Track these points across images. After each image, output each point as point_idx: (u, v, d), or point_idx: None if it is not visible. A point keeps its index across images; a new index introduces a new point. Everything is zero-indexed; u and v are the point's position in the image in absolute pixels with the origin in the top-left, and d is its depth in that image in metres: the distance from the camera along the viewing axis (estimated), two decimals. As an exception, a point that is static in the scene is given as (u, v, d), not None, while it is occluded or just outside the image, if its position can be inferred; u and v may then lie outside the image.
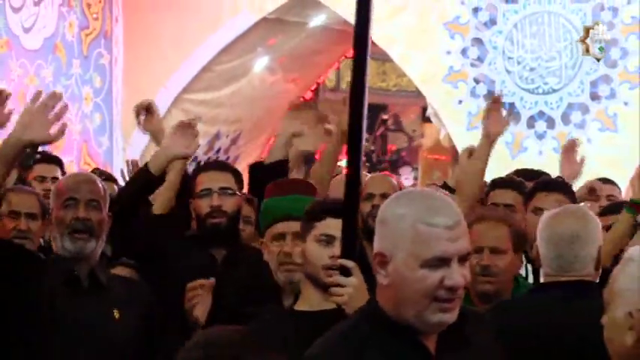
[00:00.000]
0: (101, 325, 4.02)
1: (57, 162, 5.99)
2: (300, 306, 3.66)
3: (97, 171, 6.60)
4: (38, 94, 4.00)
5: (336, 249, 3.53)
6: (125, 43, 10.39)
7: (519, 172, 6.04)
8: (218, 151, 10.83)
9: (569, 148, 6.05)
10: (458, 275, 2.62)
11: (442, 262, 2.61)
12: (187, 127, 4.74)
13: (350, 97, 3.54)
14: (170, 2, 10.01)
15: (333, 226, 3.60)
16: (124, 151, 10.03)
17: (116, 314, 4.08)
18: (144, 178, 4.65)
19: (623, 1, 9.42)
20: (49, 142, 4.00)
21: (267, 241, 4.18)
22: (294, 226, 4.16)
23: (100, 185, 4.25)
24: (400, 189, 5.35)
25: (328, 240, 3.63)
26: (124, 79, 10.40)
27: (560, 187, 5.28)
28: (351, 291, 3.33)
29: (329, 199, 4.18)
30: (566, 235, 3.91)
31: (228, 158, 10.90)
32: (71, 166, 9.41)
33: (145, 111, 5.34)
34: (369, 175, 5.39)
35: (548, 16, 9.62)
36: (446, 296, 2.62)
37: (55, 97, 4.07)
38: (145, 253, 4.73)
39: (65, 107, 3.95)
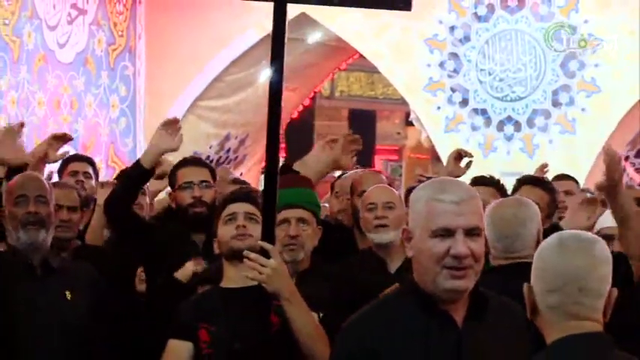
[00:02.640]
0: (55, 305, 3.99)
1: (87, 160, 5.98)
2: (225, 283, 3.67)
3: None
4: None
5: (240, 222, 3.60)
6: (147, 57, 10.39)
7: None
8: (228, 150, 10.83)
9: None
10: (462, 245, 2.63)
11: (448, 232, 2.64)
12: (172, 125, 4.72)
13: (269, 102, 3.62)
14: (186, 21, 10.02)
15: (233, 208, 3.65)
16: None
17: (68, 295, 4.04)
18: (137, 172, 4.66)
19: (580, 21, 9.44)
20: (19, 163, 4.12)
21: None
22: (297, 212, 4.21)
23: (46, 183, 4.25)
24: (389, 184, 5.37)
25: (231, 218, 3.67)
26: (146, 88, 10.40)
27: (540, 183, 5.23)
28: (269, 271, 3.36)
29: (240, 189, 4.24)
30: (507, 215, 3.85)
31: (236, 157, 10.91)
32: (100, 163, 9.43)
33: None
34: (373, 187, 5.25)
35: (515, 34, 9.63)
36: (453, 264, 2.63)
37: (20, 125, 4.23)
38: (139, 237, 4.74)
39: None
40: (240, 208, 3.69)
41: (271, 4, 3.76)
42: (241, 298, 3.46)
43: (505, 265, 3.82)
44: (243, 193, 3.85)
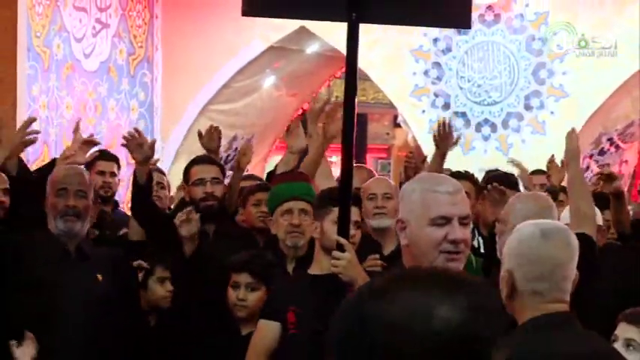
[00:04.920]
0: (88, 286, 4.03)
1: (114, 159, 5.89)
2: (314, 270, 3.67)
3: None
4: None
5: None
6: (163, 66, 10.38)
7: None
8: (235, 149, 10.79)
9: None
10: (459, 231, 2.63)
11: (445, 220, 2.63)
12: (137, 138, 4.60)
13: (344, 109, 3.57)
14: (198, 34, 10.00)
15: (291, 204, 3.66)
16: (162, 149, 10.02)
17: (99, 277, 4.07)
18: (137, 187, 4.55)
19: (550, 34, 9.43)
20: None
21: (277, 217, 4.20)
22: (299, 204, 4.21)
23: (87, 177, 4.22)
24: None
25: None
26: (162, 94, 10.39)
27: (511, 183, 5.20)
28: (344, 263, 3.35)
29: (336, 189, 4.18)
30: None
31: (243, 155, 10.89)
32: (122, 161, 9.41)
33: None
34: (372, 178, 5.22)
35: (491, 45, 9.62)
36: (450, 248, 2.63)
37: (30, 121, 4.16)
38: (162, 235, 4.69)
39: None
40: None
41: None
42: (328, 284, 3.44)
43: None
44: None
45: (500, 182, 4.96)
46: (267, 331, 3.55)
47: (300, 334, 3.49)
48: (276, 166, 5.43)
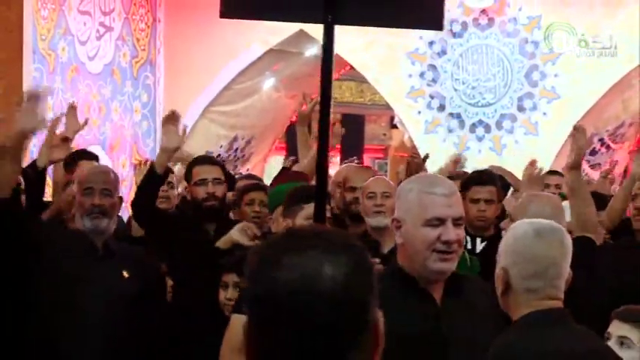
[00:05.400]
0: (113, 282, 4.03)
1: (95, 157, 5.81)
2: None
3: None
4: (29, 93, 3.88)
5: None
6: (165, 68, 10.38)
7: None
8: (236, 150, 10.81)
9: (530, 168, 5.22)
10: (452, 232, 2.63)
11: (440, 221, 2.63)
12: (173, 119, 4.61)
13: (320, 107, 3.58)
14: (199, 38, 10.00)
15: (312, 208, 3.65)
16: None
17: (125, 274, 4.07)
18: (152, 177, 4.52)
19: (541, 37, 9.44)
20: (40, 128, 3.87)
21: (276, 216, 4.20)
22: None
23: (112, 175, 4.22)
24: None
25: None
26: (164, 95, 10.39)
27: (491, 180, 5.19)
28: None
29: (307, 187, 4.20)
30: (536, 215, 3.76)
31: (243, 155, 10.89)
32: (125, 161, 9.43)
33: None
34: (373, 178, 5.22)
35: (485, 48, 9.62)
36: (443, 248, 2.63)
37: (38, 92, 3.96)
38: (164, 231, 4.68)
39: (45, 96, 3.83)
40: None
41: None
42: None
43: None
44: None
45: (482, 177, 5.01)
46: (241, 326, 3.55)
47: None
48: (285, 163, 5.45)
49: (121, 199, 4.19)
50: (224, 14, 3.67)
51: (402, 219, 2.68)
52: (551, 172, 6.60)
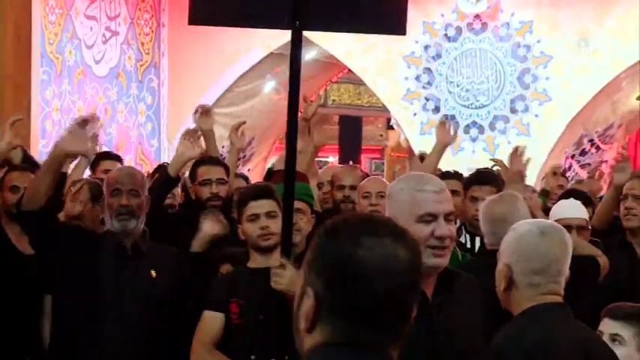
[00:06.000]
0: (142, 281, 3.98)
1: (118, 158, 5.92)
2: (251, 264, 3.69)
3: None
4: (82, 118, 3.93)
5: (262, 222, 3.60)
6: (169, 71, 10.39)
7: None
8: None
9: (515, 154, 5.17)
10: (445, 228, 2.63)
11: (432, 217, 2.62)
12: (193, 134, 4.67)
13: (288, 108, 3.61)
14: (202, 42, 10.01)
15: (255, 207, 3.65)
16: (168, 150, 10.04)
17: (153, 274, 4.02)
18: (166, 180, 4.53)
19: (534, 41, 9.45)
20: (84, 154, 3.93)
21: None
22: (296, 203, 4.20)
23: (139, 176, 4.20)
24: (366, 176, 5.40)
25: (254, 218, 3.69)
26: (168, 98, 10.39)
27: (490, 180, 5.18)
28: (286, 280, 3.36)
29: (250, 186, 4.22)
30: (498, 213, 3.75)
31: (244, 155, 10.90)
32: (130, 161, 9.43)
33: (204, 113, 5.34)
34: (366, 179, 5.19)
35: (479, 52, 9.64)
36: (437, 244, 2.61)
37: (92, 118, 3.99)
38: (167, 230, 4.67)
39: (98, 126, 3.86)
40: (261, 208, 3.69)
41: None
42: (265, 277, 3.45)
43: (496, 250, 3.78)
44: (263, 191, 3.83)
45: (481, 178, 4.99)
46: (212, 322, 3.57)
47: (243, 324, 3.52)
48: (273, 164, 5.47)
49: (148, 198, 4.15)
50: (192, 21, 3.65)
51: (395, 217, 2.66)
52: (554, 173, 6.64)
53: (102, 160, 5.65)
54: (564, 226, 4.31)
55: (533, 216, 3.84)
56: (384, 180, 4.90)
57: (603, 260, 4.06)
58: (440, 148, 5.16)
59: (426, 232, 2.62)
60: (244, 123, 5.58)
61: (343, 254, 1.53)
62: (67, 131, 3.87)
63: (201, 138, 4.70)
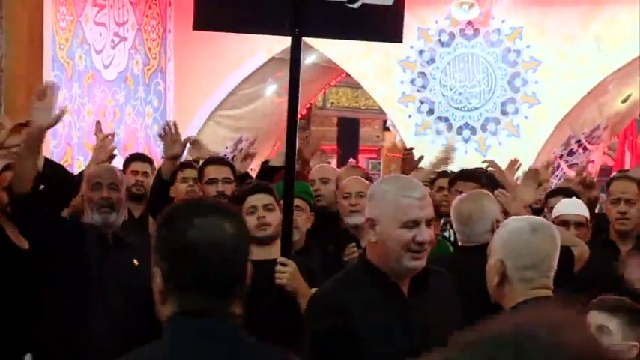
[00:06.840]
0: (125, 270, 3.99)
1: (148, 160, 5.79)
2: (250, 257, 3.69)
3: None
4: (39, 91, 3.79)
5: (259, 213, 3.64)
6: (175, 75, 10.40)
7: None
8: (240, 150, 10.82)
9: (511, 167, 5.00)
10: (426, 233, 2.63)
11: (415, 223, 2.62)
12: (170, 132, 4.56)
13: (288, 111, 3.63)
14: (207, 47, 10.02)
15: (253, 200, 3.65)
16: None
17: (135, 262, 4.04)
18: (160, 182, 4.54)
19: (523, 46, 9.45)
20: (54, 124, 3.78)
21: None
22: (295, 201, 4.20)
23: (118, 173, 4.21)
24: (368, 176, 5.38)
25: (253, 211, 3.69)
26: (174, 100, 10.40)
27: (474, 177, 5.17)
28: (288, 275, 3.37)
29: (248, 184, 4.24)
30: (466, 211, 3.74)
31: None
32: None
33: (191, 144, 5.34)
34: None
35: (471, 57, 9.64)
36: (416, 248, 2.63)
37: (48, 86, 3.85)
38: None
39: (53, 91, 3.76)
40: (259, 201, 3.69)
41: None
42: (264, 269, 3.46)
43: (468, 247, 3.77)
44: (261, 186, 3.84)
45: (465, 174, 5.00)
46: None
47: (241, 316, 3.53)
48: (267, 160, 5.49)
49: (126, 196, 4.18)
50: (197, 26, 3.66)
51: (377, 219, 2.64)
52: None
53: (133, 162, 5.59)
54: (563, 222, 4.34)
55: (505, 212, 3.79)
56: (364, 180, 4.87)
57: (579, 250, 3.92)
58: (436, 168, 5.25)
59: (408, 237, 2.61)
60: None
61: (178, 236, 1.75)
62: (33, 108, 3.75)
63: (180, 134, 4.63)
